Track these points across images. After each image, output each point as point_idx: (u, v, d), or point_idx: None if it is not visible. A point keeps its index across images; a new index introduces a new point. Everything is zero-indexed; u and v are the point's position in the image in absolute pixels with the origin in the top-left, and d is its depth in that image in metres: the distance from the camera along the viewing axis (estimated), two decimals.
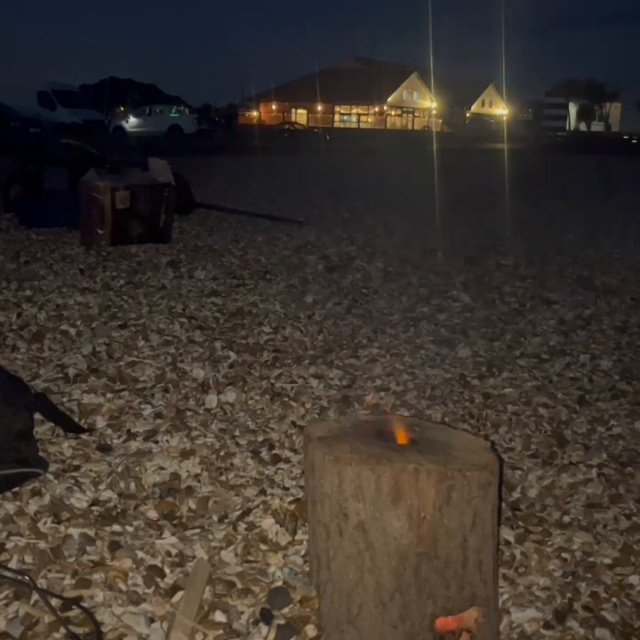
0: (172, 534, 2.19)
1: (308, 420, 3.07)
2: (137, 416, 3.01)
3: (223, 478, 2.55)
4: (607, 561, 2.19)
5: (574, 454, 2.90)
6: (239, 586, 1.99)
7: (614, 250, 7.64)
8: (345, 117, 71.23)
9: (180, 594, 1.92)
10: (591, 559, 2.20)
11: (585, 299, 5.43)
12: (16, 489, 2.36)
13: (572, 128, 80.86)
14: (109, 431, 2.86)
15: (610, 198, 13.29)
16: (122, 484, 2.45)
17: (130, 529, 2.21)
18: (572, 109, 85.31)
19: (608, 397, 3.54)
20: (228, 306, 4.71)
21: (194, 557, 2.09)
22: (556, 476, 2.71)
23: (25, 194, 7.81)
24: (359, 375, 3.63)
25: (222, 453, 2.72)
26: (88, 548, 2.09)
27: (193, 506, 2.36)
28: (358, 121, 70.84)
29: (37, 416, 2.76)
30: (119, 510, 2.31)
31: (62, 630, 1.78)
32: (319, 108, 65.84)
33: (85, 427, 2.88)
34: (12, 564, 2.00)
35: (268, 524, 2.26)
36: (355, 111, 72.19)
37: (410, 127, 71.11)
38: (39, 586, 1.91)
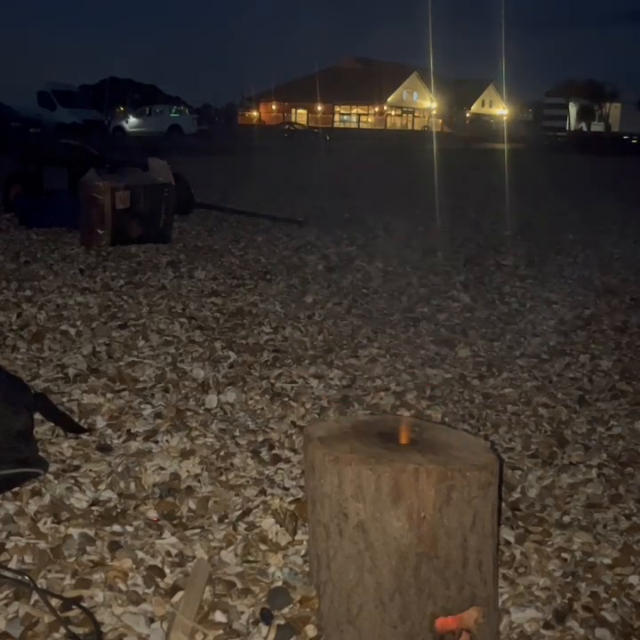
0: (172, 534, 2.19)
1: (308, 420, 3.07)
2: (137, 416, 3.01)
3: (223, 478, 2.55)
4: (607, 561, 2.19)
5: (574, 454, 2.90)
6: (239, 586, 1.99)
7: (614, 250, 7.63)
8: (345, 117, 71.21)
9: (180, 594, 1.92)
10: (591, 559, 2.20)
11: (585, 299, 5.43)
12: (16, 489, 2.36)
13: (572, 128, 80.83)
14: (109, 431, 2.86)
15: (610, 198, 13.29)
16: (122, 484, 2.45)
17: (130, 529, 2.21)
18: (572, 109, 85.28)
19: (608, 397, 3.54)
20: (228, 306, 4.71)
21: (194, 557, 2.09)
22: (556, 476, 2.71)
23: (25, 194, 7.81)
24: (359, 375, 3.63)
25: (222, 453, 2.72)
26: (88, 548, 2.09)
27: (193, 506, 2.36)
28: (358, 121, 70.82)
29: (37, 416, 2.76)
30: (119, 510, 2.31)
31: (62, 630, 1.78)
32: (319, 108, 65.80)
33: (85, 427, 2.88)
34: (12, 564, 2.00)
35: (268, 524, 2.26)
36: (355, 111, 72.17)
37: (410, 127, 71.07)
38: (39, 586, 1.91)
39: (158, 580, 1.99)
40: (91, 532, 2.16)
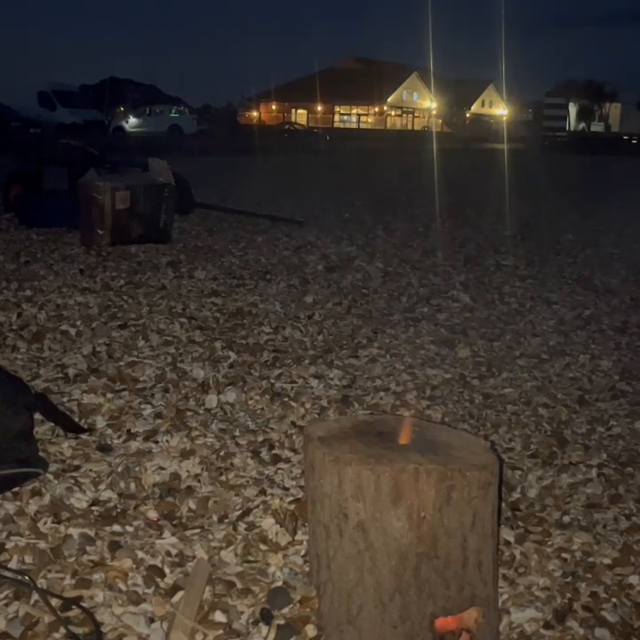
0: (172, 534, 2.19)
1: (308, 419, 3.07)
2: (137, 416, 3.01)
3: (223, 478, 2.55)
4: (607, 561, 2.20)
5: (574, 454, 2.90)
6: (239, 586, 1.99)
7: (614, 250, 7.63)
8: (345, 117, 71.16)
9: (180, 594, 1.92)
10: (591, 559, 2.20)
11: (585, 299, 5.43)
12: (16, 489, 2.36)
13: (571, 128, 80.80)
14: (109, 431, 2.86)
15: (609, 198, 13.29)
16: (122, 484, 2.45)
17: (130, 529, 2.21)
18: (572, 109, 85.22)
19: (608, 397, 3.54)
20: (228, 306, 4.71)
21: (194, 557, 2.09)
22: (556, 476, 2.71)
23: (25, 194, 7.81)
24: (359, 375, 3.63)
25: (222, 453, 2.72)
26: (88, 548, 2.09)
27: (193, 506, 2.36)
28: (358, 121, 70.78)
29: (37, 416, 2.76)
30: (119, 510, 2.31)
31: (62, 630, 1.78)
32: (319, 108, 65.78)
33: (85, 427, 2.88)
34: (12, 564, 2.00)
35: (268, 524, 2.26)
36: (355, 111, 72.13)
37: (410, 127, 71.02)
38: (39, 586, 1.91)
39: (158, 580, 1.99)
40: (91, 532, 2.16)
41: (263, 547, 2.16)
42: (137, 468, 2.56)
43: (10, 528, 2.16)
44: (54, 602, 1.86)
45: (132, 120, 38.56)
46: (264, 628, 1.84)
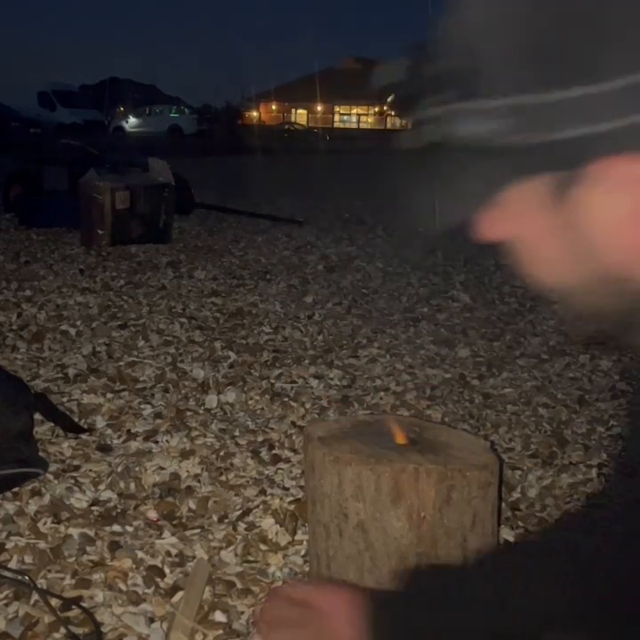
0: (172, 534, 2.19)
1: (308, 420, 3.07)
2: (137, 416, 3.01)
3: (223, 478, 2.55)
4: None
5: (574, 454, 2.90)
6: (239, 586, 1.99)
7: None
8: (345, 117, 71.19)
9: (180, 594, 1.92)
10: None
11: None
12: (16, 489, 2.36)
13: None
14: (109, 431, 2.86)
15: None
16: (122, 484, 2.45)
17: (130, 529, 2.21)
18: None
19: (608, 397, 3.54)
20: (228, 306, 4.71)
21: (194, 557, 2.09)
22: (556, 476, 2.71)
23: (25, 194, 7.81)
24: (359, 375, 3.63)
25: (222, 453, 2.72)
26: (88, 548, 2.09)
27: (193, 506, 2.36)
28: (358, 121, 70.80)
29: (37, 416, 2.76)
30: (119, 510, 2.31)
31: (62, 630, 1.78)
32: (319, 108, 65.82)
33: (85, 427, 2.88)
34: (12, 564, 2.00)
35: (267, 524, 2.26)
36: (355, 111, 72.15)
37: (410, 127, 70.98)
38: (39, 586, 1.91)
39: (158, 580, 1.99)
40: (91, 532, 2.16)
41: (263, 547, 2.16)
42: (137, 468, 2.55)
43: (10, 528, 2.16)
44: (54, 602, 1.86)
45: (132, 120, 38.59)
46: None
